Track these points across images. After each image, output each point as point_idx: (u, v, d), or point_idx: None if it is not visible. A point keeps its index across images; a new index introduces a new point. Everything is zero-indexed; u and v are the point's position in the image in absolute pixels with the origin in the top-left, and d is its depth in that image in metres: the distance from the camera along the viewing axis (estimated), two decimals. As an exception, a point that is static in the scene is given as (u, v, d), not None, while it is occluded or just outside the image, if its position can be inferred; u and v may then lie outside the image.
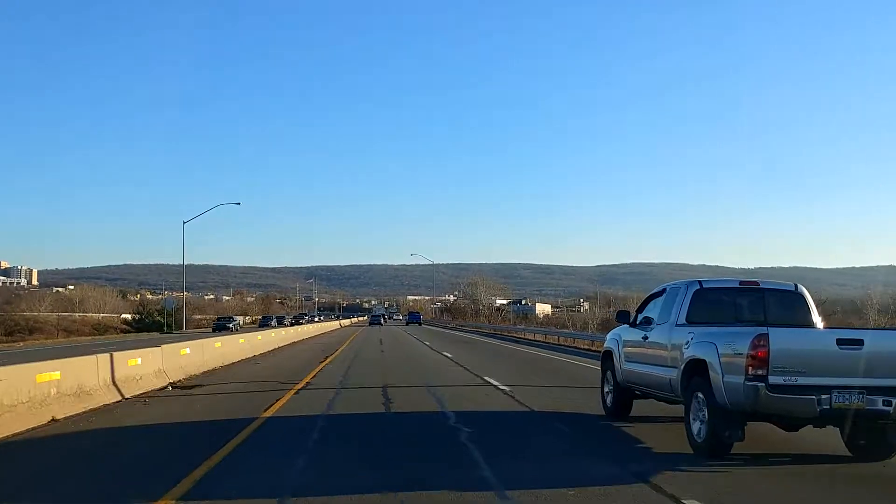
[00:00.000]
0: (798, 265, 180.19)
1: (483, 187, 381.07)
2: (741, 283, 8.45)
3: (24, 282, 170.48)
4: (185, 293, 57.76)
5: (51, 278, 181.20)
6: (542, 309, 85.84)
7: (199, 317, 75.26)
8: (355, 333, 47.16)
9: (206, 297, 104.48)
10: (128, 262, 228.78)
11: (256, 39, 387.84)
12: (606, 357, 10.05)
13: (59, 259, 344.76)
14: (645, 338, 8.70)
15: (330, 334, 47.75)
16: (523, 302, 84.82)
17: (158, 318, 57.33)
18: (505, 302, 76.59)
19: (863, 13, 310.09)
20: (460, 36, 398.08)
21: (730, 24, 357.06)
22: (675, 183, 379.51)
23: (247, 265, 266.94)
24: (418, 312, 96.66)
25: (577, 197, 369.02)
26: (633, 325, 9.33)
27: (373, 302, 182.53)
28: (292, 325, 59.69)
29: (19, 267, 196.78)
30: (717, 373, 6.77)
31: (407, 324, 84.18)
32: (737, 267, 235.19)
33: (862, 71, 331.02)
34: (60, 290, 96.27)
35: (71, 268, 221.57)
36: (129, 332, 56.89)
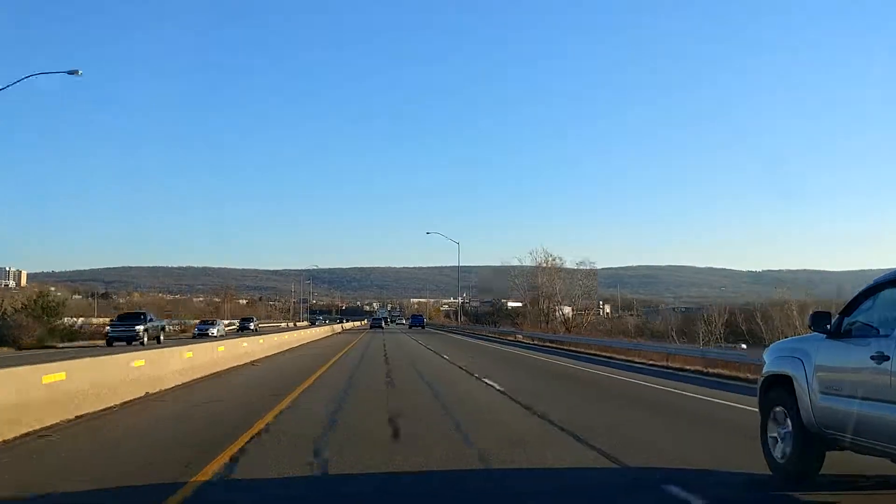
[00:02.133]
0: (807, 268, 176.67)
1: (485, 190, 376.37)
2: None
3: (12, 283, 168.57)
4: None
5: (42, 280, 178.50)
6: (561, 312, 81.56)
7: (101, 320, 58.06)
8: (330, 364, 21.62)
9: (196, 300, 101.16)
10: (125, 265, 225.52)
11: (252, 40, 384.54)
12: (774, 385, 6.62)
13: (61, 262, 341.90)
14: (879, 357, 5.26)
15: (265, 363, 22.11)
16: (537, 305, 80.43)
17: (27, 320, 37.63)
18: (519, 304, 72.26)
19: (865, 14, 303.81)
20: (468, 35, 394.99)
21: (732, 24, 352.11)
22: (681, 185, 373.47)
23: (246, 267, 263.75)
24: (421, 315, 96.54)
25: (581, 199, 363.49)
26: (837, 334, 5.95)
27: (374, 305, 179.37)
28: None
29: (7, 268, 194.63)
30: None
31: (410, 327, 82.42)
32: (744, 269, 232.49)
33: (869, 70, 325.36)
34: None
35: (69, 270, 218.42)
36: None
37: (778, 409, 6.49)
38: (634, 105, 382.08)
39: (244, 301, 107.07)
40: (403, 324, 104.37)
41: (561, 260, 65.25)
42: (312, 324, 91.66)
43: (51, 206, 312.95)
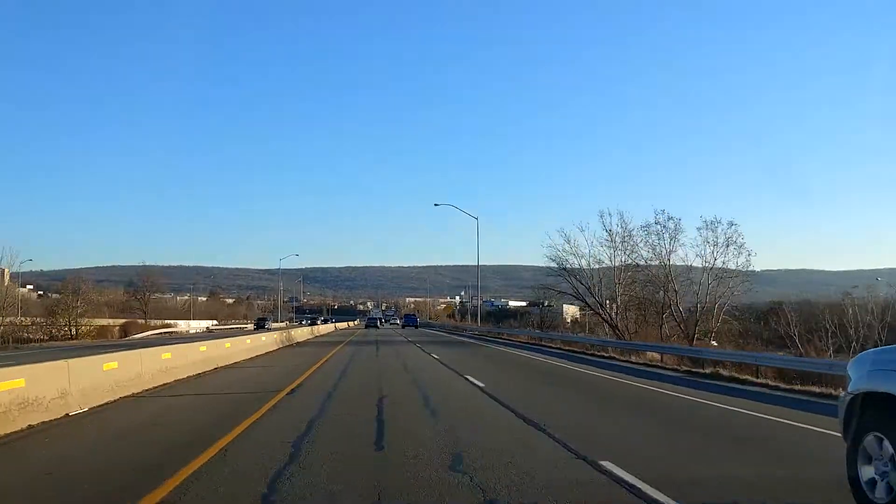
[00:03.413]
0: (805, 268, 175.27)
1: (482, 189, 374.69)
2: None
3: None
4: None
5: (27, 279, 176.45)
6: (569, 311, 78.42)
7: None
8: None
9: (180, 299, 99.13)
10: (116, 264, 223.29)
11: (250, 41, 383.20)
12: (867, 406, 5.25)
13: (56, 262, 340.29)
14: None
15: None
16: (545, 304, 76.95)
17: None
18: (524, 304, 68.97)
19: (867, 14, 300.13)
20: (464, 36, 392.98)
21: (733, 24, 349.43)
22: (679, 185, 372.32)
23: (240, 267, 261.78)
24: (414, 315, 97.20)
25: (580, 198, 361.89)
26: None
27: (368, 304, 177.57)
28: None
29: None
30: None
31: (403, 326, 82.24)
32: (743, 269, 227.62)
33: (870, 69, 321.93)
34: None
35: (57, 269, 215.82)
36: None
37: (870, 436, 5.18)
38: (633, 106, 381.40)
39: (230, 300, 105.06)
40: (397, 323, 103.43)
41: (676, 220, 40.24)
42: (260, 327, 70.06)
43: (44, 206, 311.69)
